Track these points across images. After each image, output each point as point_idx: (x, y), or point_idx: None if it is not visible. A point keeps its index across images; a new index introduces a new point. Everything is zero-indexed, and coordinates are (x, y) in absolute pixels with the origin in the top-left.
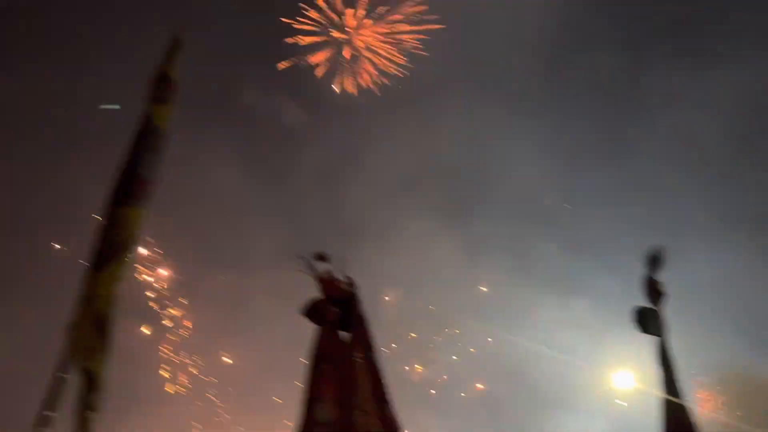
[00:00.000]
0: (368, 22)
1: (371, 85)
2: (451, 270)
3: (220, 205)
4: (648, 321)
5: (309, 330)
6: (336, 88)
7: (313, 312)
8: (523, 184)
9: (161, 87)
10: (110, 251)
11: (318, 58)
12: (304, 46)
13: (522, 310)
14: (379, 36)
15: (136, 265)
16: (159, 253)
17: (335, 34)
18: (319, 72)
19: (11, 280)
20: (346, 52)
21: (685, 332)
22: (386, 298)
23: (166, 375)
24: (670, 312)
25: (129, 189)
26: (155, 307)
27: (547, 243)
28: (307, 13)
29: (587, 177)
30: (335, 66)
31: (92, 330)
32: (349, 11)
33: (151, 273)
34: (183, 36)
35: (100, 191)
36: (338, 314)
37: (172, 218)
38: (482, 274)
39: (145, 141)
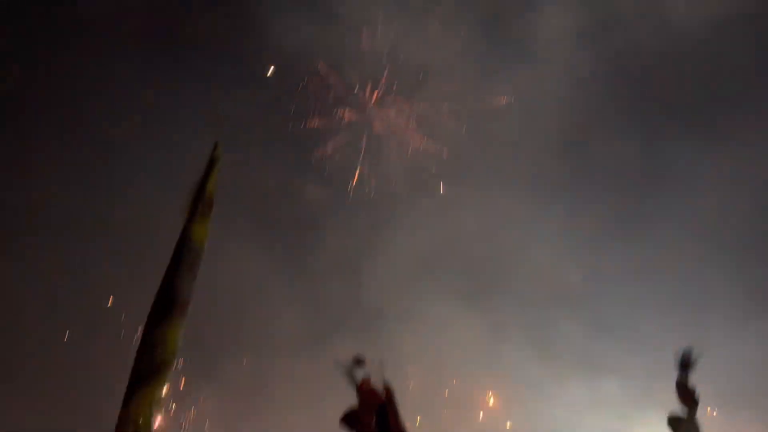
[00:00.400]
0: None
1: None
2: (473, 351)
3: (238, 289)
4: (682, 428)
5: (332, 419)
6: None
7: (351, 421)
8: (543, 265)
9: (199, 204)
10: (148, 373)
11: (337, 142)
12: (323, 133)
13: (548, 392)
14: (399, 118)
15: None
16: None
17: (352, 116)
18: (337, 155)
19: None
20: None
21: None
22: (410, 384)
23: None
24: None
25: (167, 309)
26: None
27: (571, 323)
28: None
29: (608, 255)
30: (355, 152)
31: None
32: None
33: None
34: (220, 151)
35: (139, 312)
36: (375, 422)
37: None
38: (506, 354)
39: (183, 260)
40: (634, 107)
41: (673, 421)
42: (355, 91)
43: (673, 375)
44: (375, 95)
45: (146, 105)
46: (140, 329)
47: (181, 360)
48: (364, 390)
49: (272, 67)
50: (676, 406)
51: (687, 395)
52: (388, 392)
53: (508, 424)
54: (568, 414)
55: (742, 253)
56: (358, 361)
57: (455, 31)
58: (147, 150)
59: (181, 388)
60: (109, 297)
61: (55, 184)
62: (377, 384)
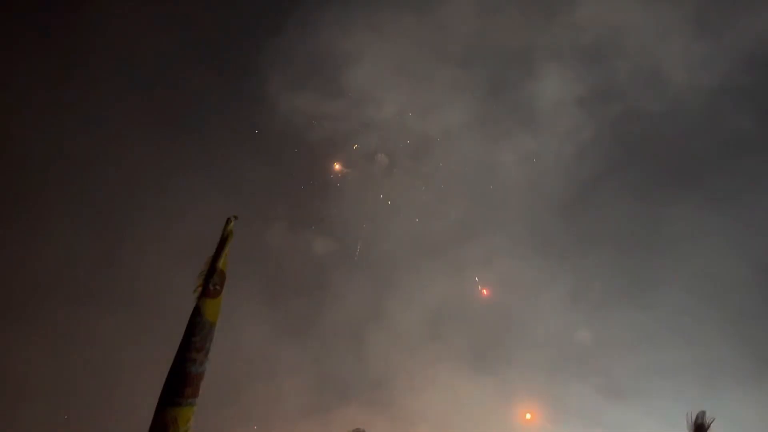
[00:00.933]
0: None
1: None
2: (482, 416)
3: (245, 354)
4: None
5: None
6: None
7: None
8: (553, 329)
9: (212, 280)
10: None
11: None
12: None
13: None
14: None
15: None
16: None
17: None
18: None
19: None
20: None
21: None
22: None
23: None
24: None
25: (180, 387)
26: None
27: (581, 386)
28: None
29: (618, 319)
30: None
31: None
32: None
33: None
34: (233, 227)
35: (151, 390)
36: None
37: None
38: (516, 418)
39: (195, 337)
40: (636, 171)
41: None
42: (361, 156)
43: None
44: (380, 161)
45: (155, 176)
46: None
47: None
48: None
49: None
50: None
51: None
52: None
53: None
54: None
55: (752, 317)
56: None
57: (457, 98)
58: (159, 223)
59: None
60: (120, 373)
61: (64, 255)
62: None
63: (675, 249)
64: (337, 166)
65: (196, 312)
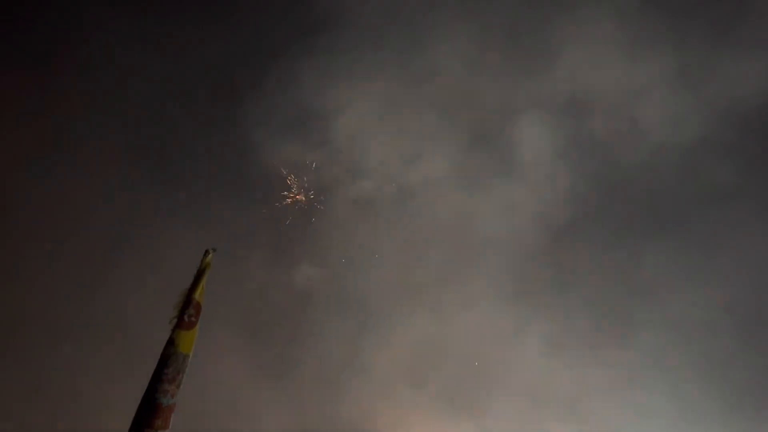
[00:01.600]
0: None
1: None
2: None
3: (220, 395)
4: None
5: None
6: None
7: None
8: (532, 372)
9: (187, 312)
10: None
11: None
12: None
13: None
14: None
15: None
16: None
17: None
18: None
19: None
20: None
21: None
22: None
23: None
24: None
25: (149, 419)
26: None
27: (561, 428)
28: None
29: (597, 362)
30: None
31: None
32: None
33: None
34: (211, 259)
35: (122, 421)
36: None
37: None
38: None
39: (168, 369)
40: (613, 218)
41: None
42: (344, 202)
43: None
44: (363, 207)
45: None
46: None
47: None
48: None
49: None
50: None
51: None
52: None
53: None
54: None
55: (728, 362)
56: None
57: (439, 147)
58: (135, 257)
59: None
60: (102, 408)
61: (42, 288)
62: None
63: (655, 294)
64: (320, 208)
65: (170, 343)
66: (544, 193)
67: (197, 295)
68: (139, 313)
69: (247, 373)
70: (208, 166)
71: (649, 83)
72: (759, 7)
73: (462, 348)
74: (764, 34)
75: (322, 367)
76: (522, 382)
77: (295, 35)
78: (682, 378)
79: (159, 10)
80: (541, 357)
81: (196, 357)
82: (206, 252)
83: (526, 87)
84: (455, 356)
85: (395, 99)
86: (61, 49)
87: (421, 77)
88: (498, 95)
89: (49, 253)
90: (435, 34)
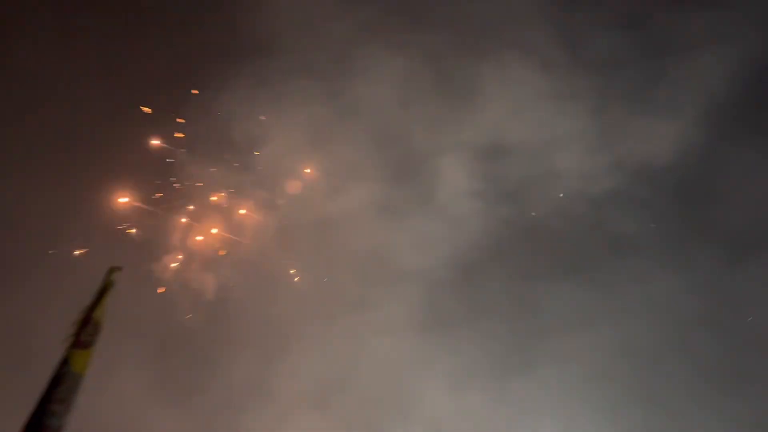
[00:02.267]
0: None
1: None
2: None
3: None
4: None
5: None
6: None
7: None
8: (443, 397)
9: (85, 331)
10: None
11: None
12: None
13: None
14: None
15: None
16: None
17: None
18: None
19: None
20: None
21: None
22: None
23: None
24: None
25: None
26: None
27: None
28: None
29: (508, 387)
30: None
31: None
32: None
33: None
34: (114, 278)
35: None
36: None
37: None
38: None
39: (59, 388)
40: (524, 259)
41: None
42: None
43: None
44: (282, 235)
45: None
46: None
47: None
48: None
49: None
50: None
51: None
52: None
53: None
54: None
55: (620, 402)
56: None
57: (363, 183)
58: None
59: None
60: None
61: None
62: None
63: (553, 331)
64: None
65: (64, 363)
66: (459, 230)
67: (97, 315)
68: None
69: (149, 395)
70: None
71: (568, 136)
72: (673, 74)
73: (369, 375)
74: (676, 100)
75: (228, 390)
76: (424, 410)
77: (221, 61)
78: (576, 413)
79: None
80: (445, 387)
81: (91, 377)
82: (110, 270)
83: (451, 128)
84: (361, 383)
85: (320, 130)
86: None
87: (348, 110)
88: (422, 134)
89: None
90: (364, 67)
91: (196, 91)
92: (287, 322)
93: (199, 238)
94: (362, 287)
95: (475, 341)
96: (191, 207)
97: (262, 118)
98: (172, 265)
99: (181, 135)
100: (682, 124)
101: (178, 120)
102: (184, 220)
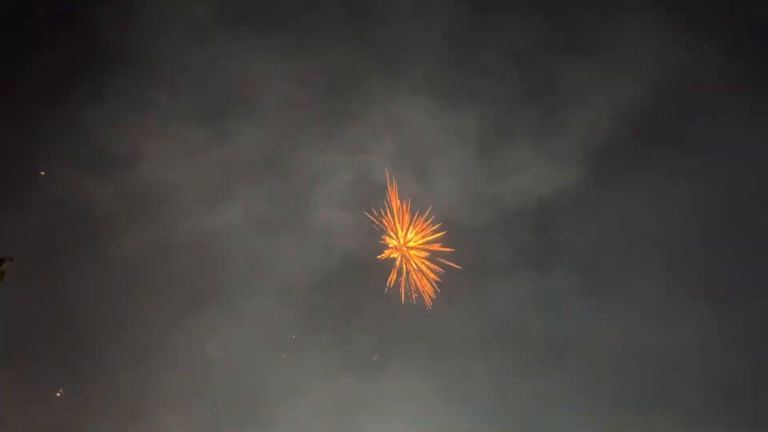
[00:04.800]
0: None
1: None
2: None
3: None
4: None
5: None
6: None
7: None
8: (316, 397)
9: None
10: None
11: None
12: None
13: None
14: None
15: None
16: None
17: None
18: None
19: None
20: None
21: None
22: None
23: None
24: None
25: None
26: None
27: None
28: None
29: (383, 375)
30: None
31: None
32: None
33: None
34: (6, 268)
35: None
36: None
37: None
38: None
39: None
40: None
41: None
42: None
43: None
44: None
45: None
46: None
47: None
48: None
49: None
50: None
51: None
52: None
53: None
54: None
55: None
56: None
57: (237, 198)
58: None
59: None
60: None
61: None
62: None
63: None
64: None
65: None
66: (323, 250)
67: None
68: None
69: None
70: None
71: (447, 173)
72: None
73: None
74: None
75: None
76: (306, 406)
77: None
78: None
79: None
80: (329, 368)
81: None
82: (1, 260)
83: (330, 156)
84: (222, 385)
85: (199, 145)
86: None
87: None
88: (301, 159)
89: None
90: (248, 85)
91: None
92: (160, 324)
93: None
94: (233, 299)
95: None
96: None
97: None
98: None
99: None
100: None
101: None
102: None
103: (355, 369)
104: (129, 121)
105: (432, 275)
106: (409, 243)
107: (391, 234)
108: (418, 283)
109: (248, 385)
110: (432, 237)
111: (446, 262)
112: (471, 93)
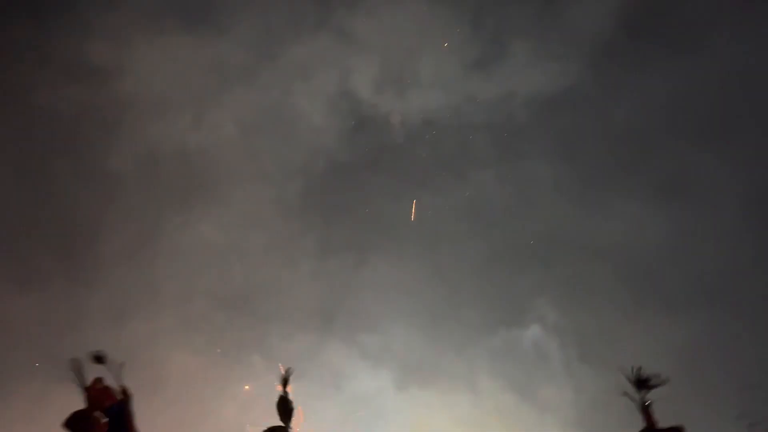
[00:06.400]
0: None
1: None
2: None
3: None
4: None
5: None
6: None
7: (76, 424)
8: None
9: None
10: None
11: None
12: None
13: None
14: None
15: None
16: None
17: None
18: None
19: None
20: None
21: None
22: None
23: None
24: None
25: None
26: None
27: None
28: None
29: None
30: None
31: None
32: None
33: None
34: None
35: None
36: (107, 425)
37: None
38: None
39: None
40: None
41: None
42: None
43: None
44: None
45: None
46: None
47: None
48: (91, 390)
49: None
50: None
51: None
52: (126, 394)
53: None
54: None
55: None
56: (98, 358)
57: None
58: None
59: None
60: None
61: None
62: (114, 386)
63: None
64: None
65: None
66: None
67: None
68: None
69: None
70: None
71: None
72: None
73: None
74: None
75: None
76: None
77: None
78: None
79: None
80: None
81: None
82: None
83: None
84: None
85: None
86: None
87: None
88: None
89: None
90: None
91: None
92: None
93: None
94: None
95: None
96: None
97: None
98: None
99: None
100: None
101: None
102: None
103: (343, 255)
104: (109, 25)
105: None
106: None
107: None
108: None
109: (241, 273)
110: None
111: None
112: None
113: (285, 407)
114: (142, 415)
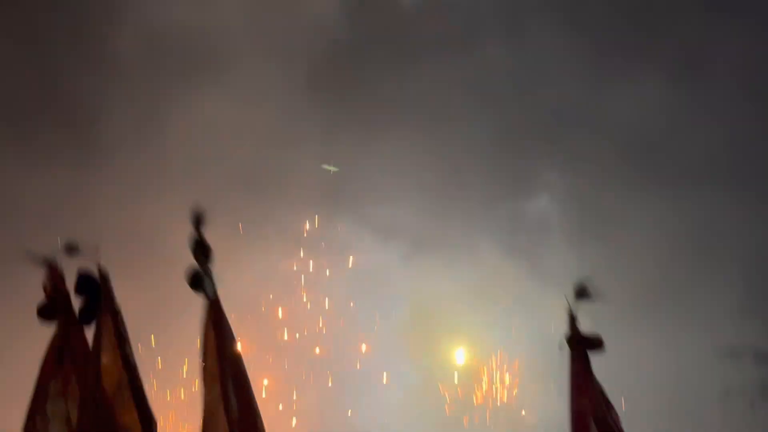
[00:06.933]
0: None
1: None
2: None
3: None
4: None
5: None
6: None
7: (45, 309)
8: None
9: None
10: None
11: None
12: None
13: None
14: None
15: None
16: None
17: None
18: None
19: None
20: None
21: None
22: None
23: None
24: None
25: None
26: None
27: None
28: None
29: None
30: None
31: None
32: None
33: None
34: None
35: None
36: (81, 306)
37: None
38: None
39: None
40: None
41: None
42: None
43: None
44: None
45: None
46: None
47: None
48: (54, 269)
49: None
50: None
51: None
52: (102, 274)
53: None
54: None
55: None
56: (70, 249)
57: None
58: None
59: None
60: None
61: None
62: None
63: None
64: None
65: None
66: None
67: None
68: None
69: None
70: None
71: None
72: None
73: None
74: None
75: None
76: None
77: None
78: None
79: None
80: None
81: None
82: None
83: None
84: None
85: None
86: None
87: None
88: None
89: None
90: None
91: None
92: None
93: None
94: None
95: None
96: None
97: None
98: None
99: None
100: None
101: None
102: None
103: (350, 131)
104: None
105: None
106: None
107: None
108: None
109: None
110: None
111: None
112: None
113: (202, 248)
114: (149, 293)
